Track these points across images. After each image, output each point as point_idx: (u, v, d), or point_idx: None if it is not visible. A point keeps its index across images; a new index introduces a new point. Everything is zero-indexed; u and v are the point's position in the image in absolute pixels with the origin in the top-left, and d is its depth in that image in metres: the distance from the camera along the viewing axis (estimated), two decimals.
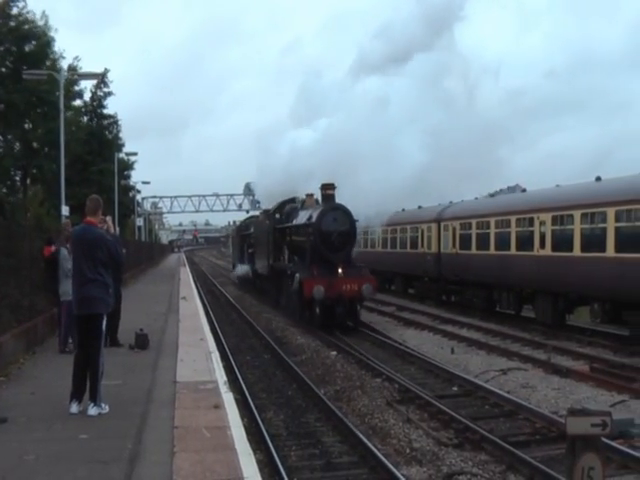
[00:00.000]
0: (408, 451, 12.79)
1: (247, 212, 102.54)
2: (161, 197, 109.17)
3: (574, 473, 8.48)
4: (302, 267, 29.80)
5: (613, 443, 12.30)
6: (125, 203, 68.13)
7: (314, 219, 29.51)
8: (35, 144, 47.65)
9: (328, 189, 30.14)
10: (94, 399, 11.09)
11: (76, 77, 45.82)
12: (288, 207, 36.60)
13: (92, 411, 11.01)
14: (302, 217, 31.97)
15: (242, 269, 52.19)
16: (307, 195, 34.52)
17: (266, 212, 42.40)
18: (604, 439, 9.04)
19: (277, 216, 37.00)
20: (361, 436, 13.07)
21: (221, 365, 15.60)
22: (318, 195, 32.68)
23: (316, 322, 28.12)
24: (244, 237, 52.35)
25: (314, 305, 28.18)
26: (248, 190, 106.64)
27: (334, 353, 22.58)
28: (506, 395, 16.59)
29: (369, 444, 12.60)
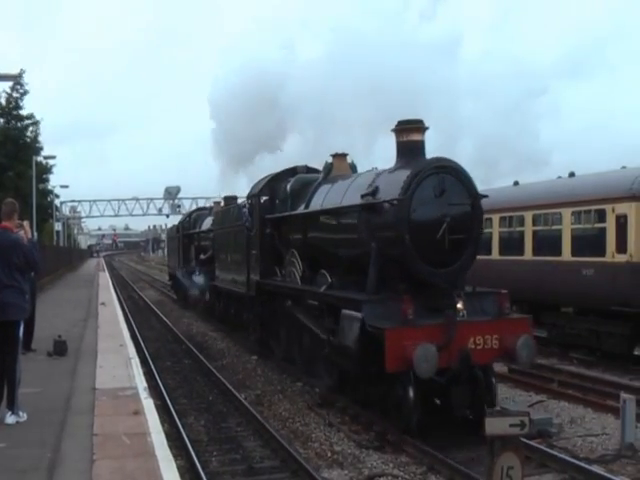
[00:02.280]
0: (329, 454, 12.82)
1: (167, 216, 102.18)
2: (80, 201, 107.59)
3: (493, 473, 8.63)
4: (367, 298, 14.18)
5: (532, 442, 12.50)
6: (43, 207, 67.05)
7: (395, 194, 14.23)
8: None
9: (413, 132, 15.11)
10: (12, 407, 10.93)
11: None
12: (295, 182, 20.77)
13: (10, 419, 10.85)
14: (336, 194, 17.57)
15: (194, 282, 35.74)
16: (334, 156, 19.80)
17: (228, 198, 32.42)
18: (523, 438, 9.18)
19: (264, 199, 22.21)
20: (282, 440, 13.06)
21: (141, 371, 15.50)
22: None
23: (407, 418, 13.03)
24: (190, 237, 40.75)
25: (403, 382, 13.00)
26: (168, 194, 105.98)
27: (255, 357, 22.52)
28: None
29: (290, 448, 12.60)
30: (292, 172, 21.93)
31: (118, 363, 16.13)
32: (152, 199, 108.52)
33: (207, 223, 35.94)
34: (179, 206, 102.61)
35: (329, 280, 16.94)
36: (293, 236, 20.20)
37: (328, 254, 18.01)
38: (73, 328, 22.20)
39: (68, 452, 9.29)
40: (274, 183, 22.19)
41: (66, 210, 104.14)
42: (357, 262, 16.04)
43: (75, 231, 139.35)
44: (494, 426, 8.52)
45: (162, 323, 33.74)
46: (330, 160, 19.90)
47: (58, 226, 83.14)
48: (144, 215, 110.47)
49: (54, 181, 72.39)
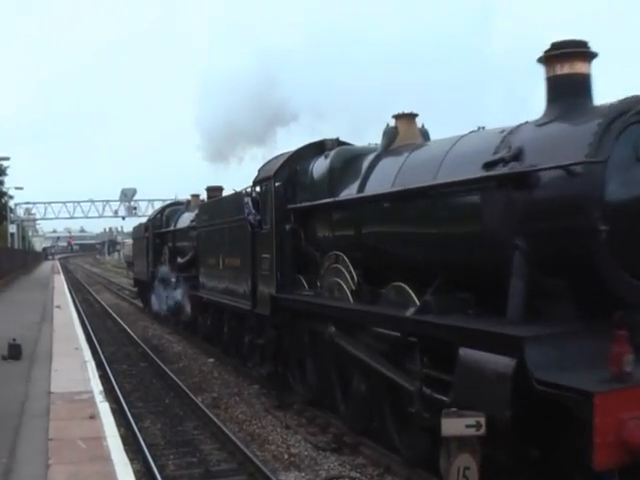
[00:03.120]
0: (286, 457, 12.84)
1: (123, 218, 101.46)
2: (34, 203, 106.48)
3: (450, 473, 8.70)
4: (532, 333, 8.12)
5: None
6: None
7: (566, 157, 8.39)
8: None
9: (575, 59, 9.20)
10: None
11: None
12: (336, 158, 14.59)
13: None
14: (418, 168, 11.64)
15: (171, 291, 28.98)
16: (398, 117, 13.82)
17: (212, 189, 28.09)
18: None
19: (278, 185, 16.22)
20: (239, 443, 13.06)
21: (97, 374, 15.44)
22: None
23: None
24: (162, 237, 34.63)
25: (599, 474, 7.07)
26: (124, 196, 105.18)
27: (211, 360, 22.48)
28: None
29: (247, 451, 12.61)
30: (319, 148, 16.15)
31: (73, 367, 16.04)
32: (108, 201, 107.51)
33: (185, 220, 30.44)
34: (135, 208, 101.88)
35: (414, 298, 10.96)
36: (336, 233, 14.23)
37: (407, 259, 11.91)
38: (28, 331, 22.02)
39: (23, 457, 9.24)
40: (296, 162, 16.27)
41: (20, 212, 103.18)
42: (473, 270, 10.32)
43: (30, 233, 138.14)
44: (450, 427, 8.59)
45: (118, 326, 33.52)
46: (392, 123, 13.93)
47: (12, 228, 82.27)
48: (100, 217, 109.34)
49: (8, 183, 71.87)
